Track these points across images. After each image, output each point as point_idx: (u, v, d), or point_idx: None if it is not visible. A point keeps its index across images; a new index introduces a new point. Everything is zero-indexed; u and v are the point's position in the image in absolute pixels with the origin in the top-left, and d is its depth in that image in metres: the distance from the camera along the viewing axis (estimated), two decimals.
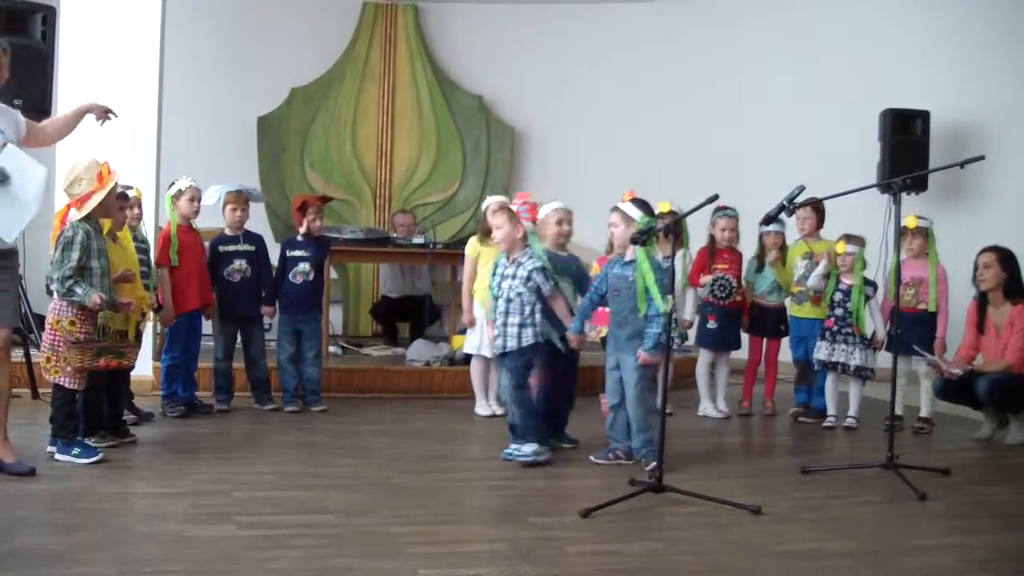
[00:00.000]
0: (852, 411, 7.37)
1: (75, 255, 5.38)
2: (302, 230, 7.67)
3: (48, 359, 5.47)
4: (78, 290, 5.37)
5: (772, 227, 7.62)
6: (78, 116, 5.73)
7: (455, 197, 11.79)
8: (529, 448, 5.80)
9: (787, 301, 7.86)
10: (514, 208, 6.17)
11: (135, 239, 6.55)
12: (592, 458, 5.88)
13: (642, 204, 5.89)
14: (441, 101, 11.83)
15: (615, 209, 5.93)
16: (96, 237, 5.52)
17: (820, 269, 7.43)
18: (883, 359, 7.01)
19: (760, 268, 7.86)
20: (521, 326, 5.91)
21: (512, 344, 5.92)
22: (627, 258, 5.77)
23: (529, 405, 5.92)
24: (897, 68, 10.15)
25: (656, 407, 5.58)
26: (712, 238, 7.80)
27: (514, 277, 5.97)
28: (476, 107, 11.87)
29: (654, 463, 5.29)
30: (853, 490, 5.32)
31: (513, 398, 5.91)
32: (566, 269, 6.22)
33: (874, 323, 7.33)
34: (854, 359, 7.25)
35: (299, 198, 8.03)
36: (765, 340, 7.97)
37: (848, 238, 7.30)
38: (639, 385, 5.70)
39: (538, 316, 5.92)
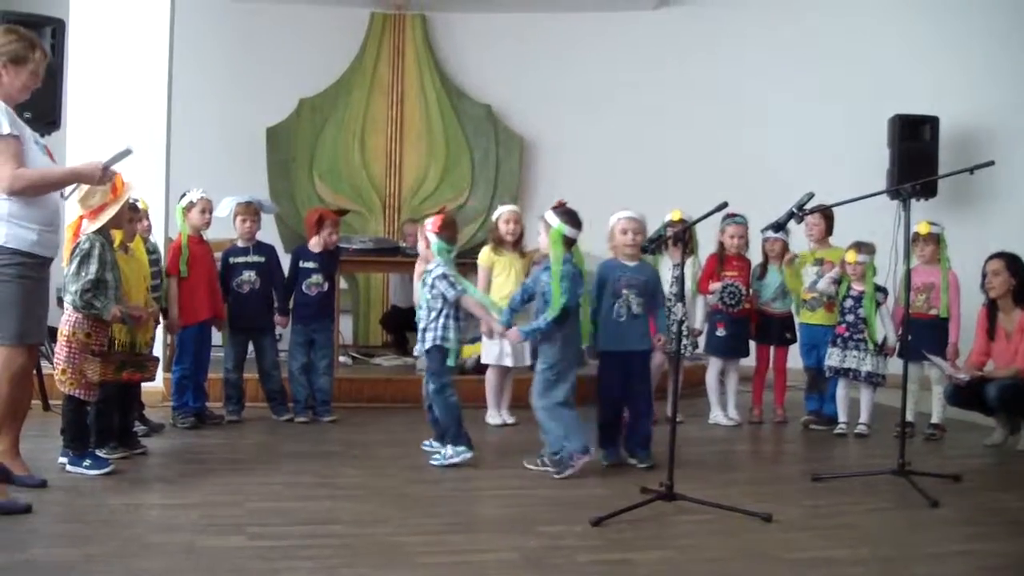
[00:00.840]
0: (864, 418, 7.35)
1: (93, 268, 5.35)
2: (316, 246, 7.68)
3: (63, 371, 5.45)
4: (96, 303, 5.35)
5: (773, 233, 7.62)
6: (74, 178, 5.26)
7: (464, 207, 11.76)
8: (450, 450, 6.08)
9: (792, 307, 7.86)
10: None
11: (147, 250, 6.58)
12: (525, 463, 5.94)
13: (567, 213, 5.91)
14: (449, 111, 11.83)
15: (541, 217, 6.03)
16: (109, 249, 5.52)
17: (832, 273, 7.43)
18: (894, 365, 7.01)
19: (762, 275, 7.85)
20: (424, 330, 6.22)
21: (420, 348, 6.29)
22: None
23: (452, 408, 6.15)
24: (905, 74, 10.15)
25: (559, 405, 5.84)
26: (721, 245, 7.80)
27: (424, 285, 6.27)
28: (485, 116, 11.87)
29: (560, 467, 5.75)
30: (864, 497, 5.31)
31: (435, 401, 6.19)
32: (633, 280, 6.06)
33: (885, 329, 7.31)
34: (865, 365, 7.24)
35: (315, 212, 8.03)
36: (772, 348, 7.96)
37: (858, 246, 7.29)
38: (540, 385, 5.92)
39: (442, 320, 6.15)
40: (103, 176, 5.11)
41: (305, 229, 8.03)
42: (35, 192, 4.90)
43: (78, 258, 5.37)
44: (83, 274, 5.34)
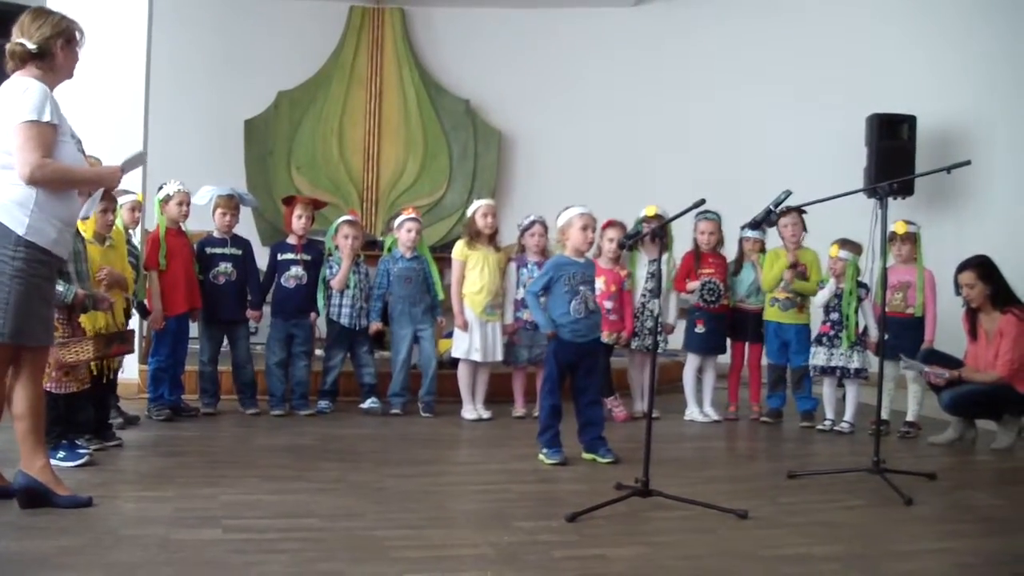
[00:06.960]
0: (848, 416, 7.39)
1: None
2: (293, 235, 7.67)
3: None
4: (59, 288, 5.28)
5: (752, 232, 7.66)
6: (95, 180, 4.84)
7: (442, 201, 11.78)
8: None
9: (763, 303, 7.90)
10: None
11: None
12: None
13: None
14: (428, 105, 11.83)
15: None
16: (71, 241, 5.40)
17: (832, 286, 7.36)
18: (873, 363, 7.04)
19: (736, 272, 7.87)
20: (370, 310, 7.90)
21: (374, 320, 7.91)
22: (409, 256, 7.67)
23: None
24: (883, 73, 10.19)
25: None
26: (696, 242, 7.81)
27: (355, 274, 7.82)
28: (463, 111, 11.87)
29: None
30: (839, 494, 5.32)
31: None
32: (588, 277, 6.10)
33: (866, 320, 7.34)
34: (853, 362, 7.26)
35: (288, 196, 8.04)
36: (747, 344, 7.98)
37: (843, 242, 7.30)
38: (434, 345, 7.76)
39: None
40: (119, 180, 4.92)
41: (284, 220, 7.99)
42: (55, 186, 4.47)
43: None
44: None
